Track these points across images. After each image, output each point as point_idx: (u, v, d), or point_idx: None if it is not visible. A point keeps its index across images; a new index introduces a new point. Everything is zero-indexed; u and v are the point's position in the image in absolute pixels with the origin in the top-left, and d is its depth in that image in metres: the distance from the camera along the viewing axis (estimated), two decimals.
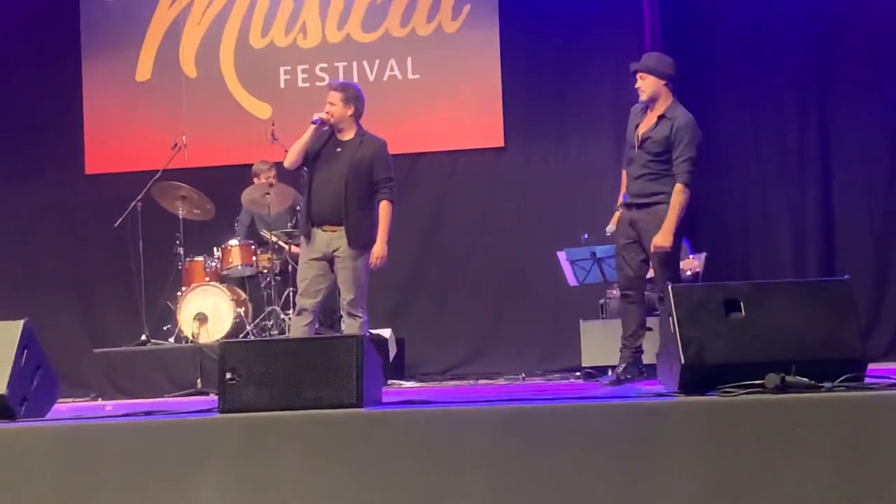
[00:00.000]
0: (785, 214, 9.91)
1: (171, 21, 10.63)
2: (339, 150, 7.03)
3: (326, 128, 7.06)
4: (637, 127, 6.76)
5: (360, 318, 7.02)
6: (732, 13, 10.08)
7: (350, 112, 7.05)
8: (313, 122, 7.01)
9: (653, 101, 6.72)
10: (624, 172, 6.93)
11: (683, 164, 6.59)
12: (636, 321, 6.66)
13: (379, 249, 7.00)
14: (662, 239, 6.53)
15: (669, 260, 6.62)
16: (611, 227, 7.02)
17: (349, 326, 7.05)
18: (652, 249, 6.57)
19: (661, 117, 6.67)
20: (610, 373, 7.11)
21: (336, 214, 6.95)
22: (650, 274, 6.94)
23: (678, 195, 6.57)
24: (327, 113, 7.02)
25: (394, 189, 7.13)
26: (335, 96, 7.06)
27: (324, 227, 6.97)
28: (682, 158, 6.60)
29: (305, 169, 7.20)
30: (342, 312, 7.23)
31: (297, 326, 7.02)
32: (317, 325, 7.18)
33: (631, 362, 6.66)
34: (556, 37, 10.13)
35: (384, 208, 7.04)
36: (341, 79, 10.27)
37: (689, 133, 6.62)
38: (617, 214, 6.90)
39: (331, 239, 6.96)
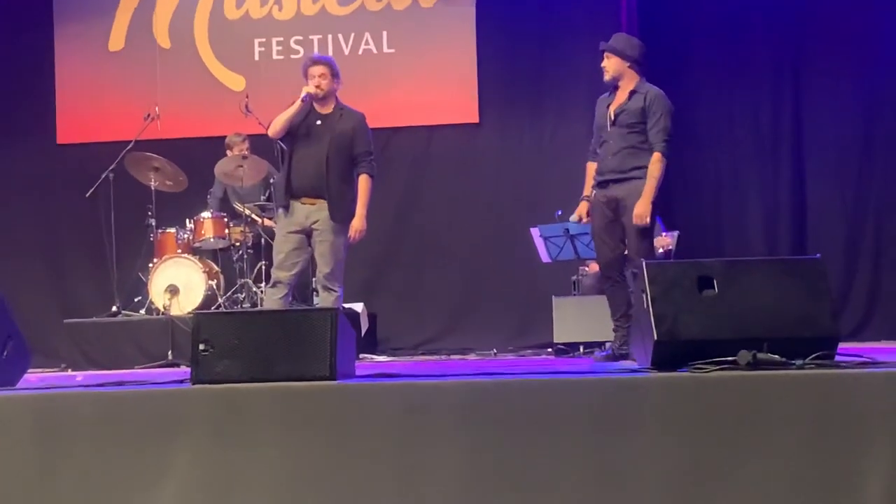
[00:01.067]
0: (757, 194, 9.97)
1: None
2: (318, 123, 7.01)
3: (307, 100, 7.02)
4: (608, 108, 6.80)
5: (335, 291, 7.00)
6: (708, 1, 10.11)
7: (336, 86, 7.05)
8: (303, 100, 6.96)
9: (615, 80, 6.80)
10: (589, 165, 6.95)
11: (659, 134, 6.66)
12: (624, 300, 6.68)
13: (358, 223, 7.00)
14: (642, 208, 6.56)
15: (646, 235, 6.65)
16: (576, 217, 7.03)
17: (324, 300, 7.03)
18: (633, 221, 6.59)
19: (632, 92, 6.75)
20: (605, 347, 7.16)
21: (317, 187, 6.93)
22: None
23: (655, 164, 6.63)
24: (317, 87, 6.98)
25: (373, 163, 7.14)
26: (323, 69, 7.02)
27: (303, 199, 6.96)
28: (658, 128, 6.66)
29: (280, 142, 7.17)
30: (317, 286, 7.22)
31: (272, 299, 7.00)
32: (290, 299, 7.16)
33: (627, 339, 6.69)
34: (532, 13, 10.13)
35: (364, 182, 7.03)
36: (316, 52, 10.23)
37: (662, 104, 6.71)
38: (584, 205, 6.92)
39: (310, 212, 6.94)
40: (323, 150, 6.94)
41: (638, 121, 6.70)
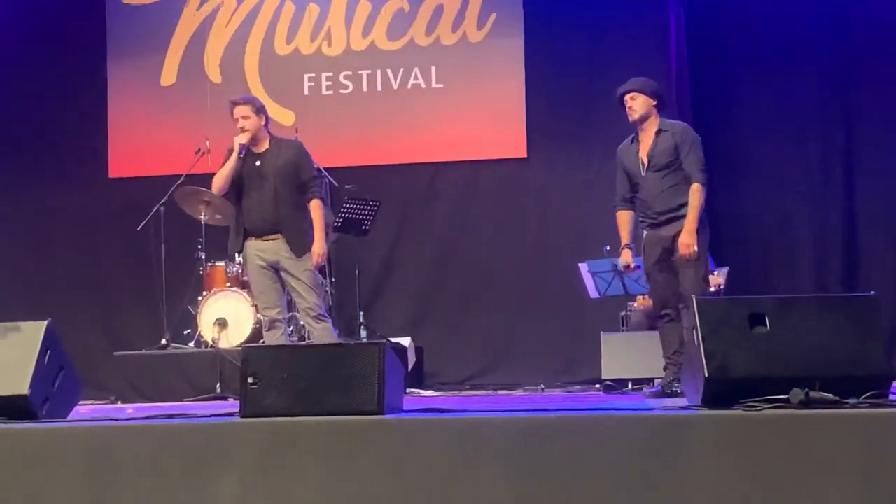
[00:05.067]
0: (808, 228, 9.87)
1: (197, 26, 10.68)
2: (258, 164, 7.02)
3: (244, 153, 7.01)
4: (636, 155, 6.81)
5: (326, 319, 7.02)
6: (757, 22, 10.05)
7: (262, 121, 7.07)
8: (240, 154, 6.97)
9: (643, 120, 6.87)
10: (621, 214, 6.97)
11: (696, 163, 6.74)
12: (677, 337, 6.67)
13: (318, 247, 7.00)
14: (687, 237, 6.57)
15: (699, 270, 6.64)
16: (622, 265, 7.05)
17: (320, 331, 6.99)
18: (679, 251, 6.57)
19: (658, 132, 6.81)
20: (654, 384, 7.13)
21: (273, 224, 6.97)
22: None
23: (696, 194, 6.69)
24: (243, 129, 7.00)
25: (320, 186, 7.23)
26: (246, 110, 7.04)
27: (263, 237, 6.99)
28: (693, 158, 6.75)
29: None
30: (304, 320, 7.19)
31: (273, 341, 6.99)
32: (290, 331, 7.18)
33: (679, 376, 6.65)
34: (580, 46, 10.11)
35: (315, 207, 7.05)
36: (365, 87, 10.31)
37: (691, 136, 6.82)
38: (627, 252, 6.95)
39: (272, 248, 6.98)
40: (270, 187, 6.97)
41: (673, 159, 6.75)
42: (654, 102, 6.88)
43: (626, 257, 6.99)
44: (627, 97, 6.91)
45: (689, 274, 6.62)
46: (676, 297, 6.73)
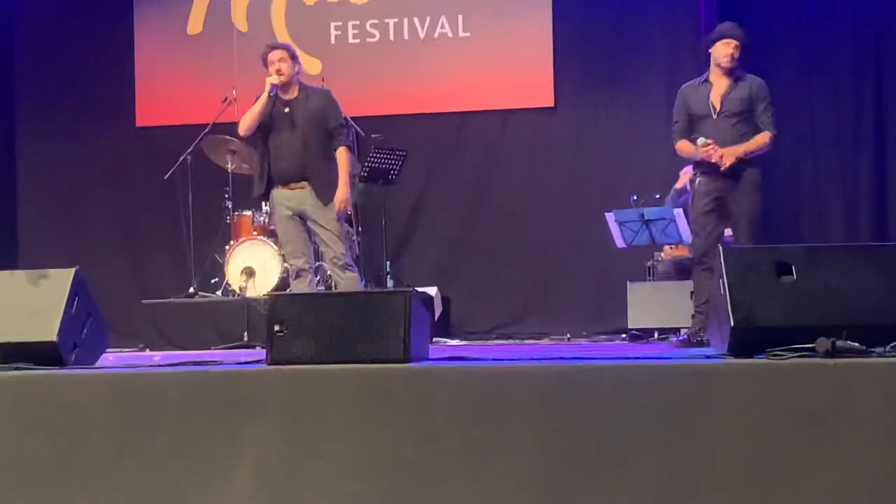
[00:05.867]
0: (837, 180, 9.80)
1: None
2: (286, 109, 7.05)
3: (275, 93, 7.04)
4: (707, 97, 6.76)
5: (353, 269, 7.08)
6: None
7: (296, 69, 7.11)
8: (270, 94, 7.00)
9: (735, 67, 6.84)
10: (682, 143, 6.91)
11: (771, 118, 6.81)
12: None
13: (342, 193, 7.04)
14: (732, 154, 6.62)
15: (753, 224, 6.67)
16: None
17: (346, 280, 7.04)
18: (722, 160, 6.61)
19: (736, 79, 6.77)
20: (680, 333, 7.14)
21: (300, 172, 7.01)
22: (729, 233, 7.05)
23: (762, 138, 6.77)
24: (278, 72, 7.01)
25: (348, 134, 7.28)
26: (283, 54, 7.06)
27: (289, 185, 7.03)
28: (769, 113, 6.82)
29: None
30: (331, 269, 7.24)
31: (300, 290, 7.02)
32: (317, 279, 7.22)
33: (705, 326, 6.67)
34: None
35: (342, 155, 7.09)
36: (392, 36, 10.26)
37: (766, 91, 6.86)
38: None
39: (299, 196, 7.02)
40: (299, 134, 7.00)
41: (745, 108, 6.74)
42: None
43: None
44: (724, 43, 6.83)
45: (746, 227, 6.65)
46: (716, 247, 6.74)
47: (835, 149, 9.80)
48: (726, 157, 6.60)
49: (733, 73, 6.81)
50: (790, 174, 9.93)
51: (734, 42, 6.80)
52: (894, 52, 9.71)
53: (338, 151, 7.06)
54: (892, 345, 3.89)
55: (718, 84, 6.81)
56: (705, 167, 6.78)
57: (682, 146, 6.91)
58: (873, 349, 3.86)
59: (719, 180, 6.72)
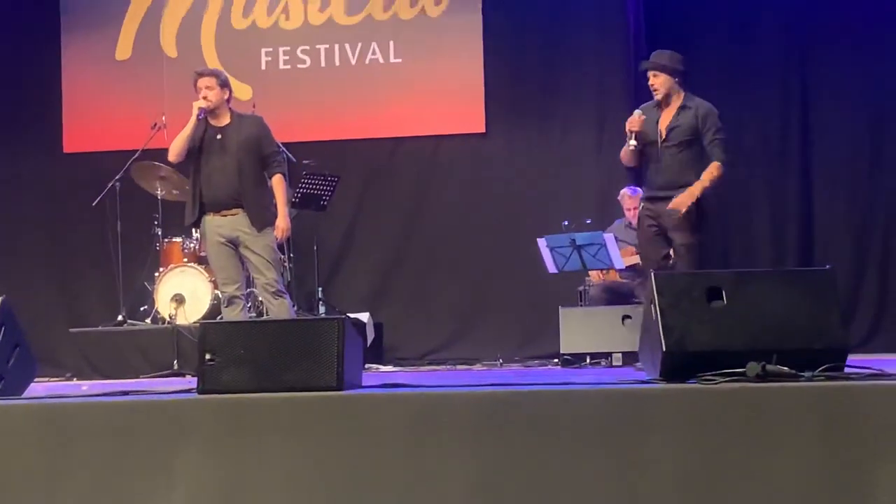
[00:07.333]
0: (765, 203, 9.89)
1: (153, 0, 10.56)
2: (219, 136, 7.04)
3: (202, 116, 7.04)
4: (656, 123, 6.81)
5: (285, 295, 7.04)
6: (715, 2, 10.05)
7: (226, 95, 7.10)
8: (198, 117, 7.00)
9: (667, 97, 6.82)
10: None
11: (720, 144, 6.76)
12: None
13: (283, 222, 7.09)
14: (685, 198, 6.61)
15: (692, 252, 6.68)
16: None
17: (278, 307, 7.03)
18: (669, 205, 6.62)
19: (681, 107, 6.78)
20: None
21: (233, 198, 7.01)
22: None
23: (713, 170, 6.71)
24: (205, 99, 7.01)
25: (282, 161, 7.25)
26: (210, 81, 7.07)
27: (222, 211, 7.02)
28: (717, 139, 6.77)
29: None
30: (262, 295, 7.23)
31: (232, 318, 6.98)
32: (249, 307, 7.19)
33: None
34: (539, 22, 10.09)
35: (279, 183, 7.12)
36: (323, 62, 10.24)
37: (714, 117, 6.81)
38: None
39: (232, 223, 7.01)
40: (233, 160, 6.99)
41: (691, 136, 6.75)
42: (676, 80, 6.85)
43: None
44: (650, 73, 6.87)
45: (684, 254, 6.67)
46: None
47: (762, 169, 9.87)
48: (683, 203, 6.61)
49: (674, 101, 6.83)
50: (717, 199, 10.00)
51: (652, 72, 6.86)
52: (821, 68, 9.83)
53: (274, 178, 7.05)
54: (820, 369, 3.93)
55: (667, 112, 6.86)
56: (646, 193, 6.85)
57: (622, 154, 6.99)
58: (802, 373, 3.90)
59: (659, 205, 6.77)
